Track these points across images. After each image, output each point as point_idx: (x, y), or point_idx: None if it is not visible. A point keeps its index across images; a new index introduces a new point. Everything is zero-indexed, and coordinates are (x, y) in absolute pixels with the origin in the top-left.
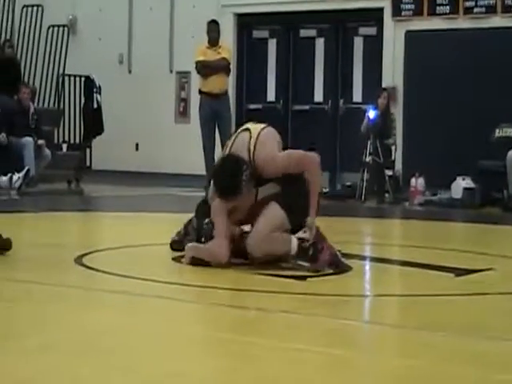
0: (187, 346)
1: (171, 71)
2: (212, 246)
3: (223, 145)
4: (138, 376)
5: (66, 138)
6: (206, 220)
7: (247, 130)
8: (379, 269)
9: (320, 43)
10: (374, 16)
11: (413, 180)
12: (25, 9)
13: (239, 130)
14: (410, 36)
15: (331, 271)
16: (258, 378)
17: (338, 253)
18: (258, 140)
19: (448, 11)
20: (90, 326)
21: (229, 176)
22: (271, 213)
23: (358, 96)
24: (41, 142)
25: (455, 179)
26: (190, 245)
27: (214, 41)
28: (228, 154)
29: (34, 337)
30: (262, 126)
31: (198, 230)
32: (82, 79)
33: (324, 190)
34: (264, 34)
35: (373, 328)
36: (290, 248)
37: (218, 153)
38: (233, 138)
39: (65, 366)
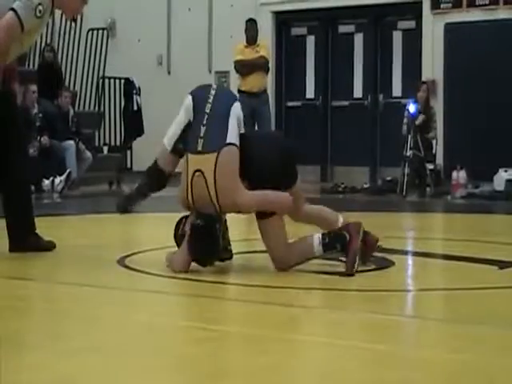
0: (232, 345)
1: (210, 71)
2: (174, 255)
3: None
4: (184, 376)
5: (107, 141)
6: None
7: (200, 174)
8: (422, 263)
9: (359, 38)
10: (412, 9)
11: (454, 173)
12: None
13: (191, 172)
14: (450, 29)
15: (373, 266)
16: (304, 375)
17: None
18: (218, 189)
19: (488, 2)
20: (135, 327)
21: (208, 252)
22: (269, 235)
23: (397, 90)
24: (81, 145)
25: (497, 171)
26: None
27: (252, 39)
28: (208, 224)
29: (80, 338)
30: (213, 160)
31: None
32: (122, 81)
33: (365, 186)
34: (302, 30)
35: (418, 323)
36: (314, 252)
37: None
38: (188, 180)
39: (109, 366)
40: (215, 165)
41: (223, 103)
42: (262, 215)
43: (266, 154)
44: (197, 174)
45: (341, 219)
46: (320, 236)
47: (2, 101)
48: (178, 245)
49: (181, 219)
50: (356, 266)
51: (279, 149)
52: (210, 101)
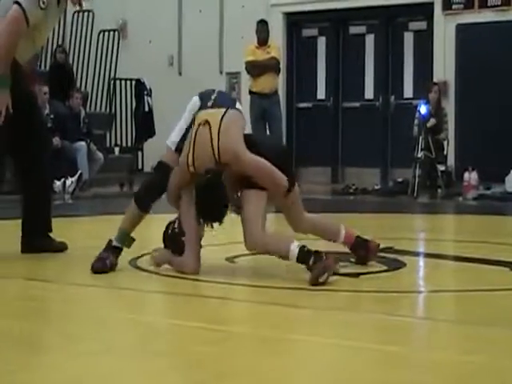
0: (241, 346)
1: (221, 72)
2: (183, 258)
3: None
4: (193, 377)
5: (118, 142)
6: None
7: (206, 122)
8: (434, 264)
9: (370, 40)
10: (423, 10)
11: (466, 174)
12: (76, 15)
13: (198, 124)
14: (461, 29)
15: (385, 268)
16: (313, 376)
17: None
18: (220, 135)
19: (499, 3)
20: (145, 328)
21: (218, 206)
22: (250, 207)
23: (408, 91)
24: (93, 146)
25: (509, 172)
26: (161, 251)
27: (263, 40)
28: (212, 179)
29: (91, 339)
30: (221, 112)
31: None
32: (133, 82)
33: (376, 187)
34: (313, 32)
35: (429, 324)
36: (288, 256)
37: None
38: (193, 133)
39: (119, 367)
40: (222, 117)
41: (225, 97)
42: (251, 185)
43: (272, 152)
44: (203, 122)
45: (343, 230)
46: (301, 244)
47: (26, 102)
48: (166, 246)
49: (170, 222)
50: (323, 279)
51: (283, 150)
52: (213, 97)
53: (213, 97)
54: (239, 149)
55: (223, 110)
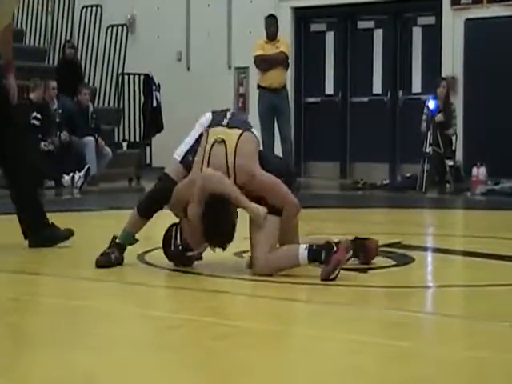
0: (252, 341)
1: (229, 67)
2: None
3: (283, 138)
4: (204, 372)
5: (126, 137)
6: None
7: (222, 141)
8: (442, 260)
9: (378, 34)
10: (432, 5)
11: (474, 170)
12: (84, 9)
13: (212, 141)
14: (470, 24)
15: (394, 263)
16: (323, 370)
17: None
18: (237, 155)
19: None
20: (155, 323)
21: (228, 226)
22: (261, 232)
23: (417, 87)
24: (101, 141)
25: None
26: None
27: (272, 35)
28: (219, 199)
29: (100, 334)
30: (237, 133)
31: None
32: (142, 77)
33: (384, 182)
34: (321, 26)
35: (438, 319)
36: (299, 261)
37: (277, 147)
38: (207, 150)
39: (131, 361)
40: (238, 138)
41: (240, 119)
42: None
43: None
44: (218, 140)
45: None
46: (307, 244)
47: None
48: (165, 251)
49: (170, 229)
50: (334, 275)
51: (287, 170)
52: (228, 116)
53: (228, 115)
54: (254, 169)
55: (240, 131)
